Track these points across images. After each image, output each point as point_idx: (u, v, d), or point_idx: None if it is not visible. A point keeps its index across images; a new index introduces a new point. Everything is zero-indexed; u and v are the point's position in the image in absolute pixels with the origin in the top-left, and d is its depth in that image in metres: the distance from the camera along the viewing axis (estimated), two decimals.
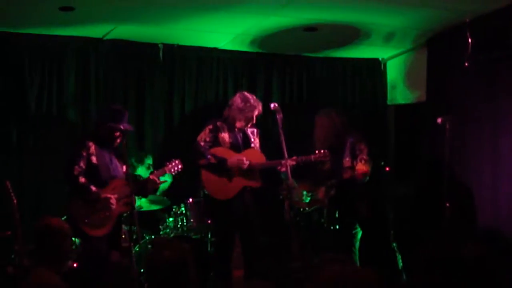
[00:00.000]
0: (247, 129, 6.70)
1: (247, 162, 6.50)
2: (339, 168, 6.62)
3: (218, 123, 6.66)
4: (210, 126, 6.63)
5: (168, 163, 6.48)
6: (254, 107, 6.59)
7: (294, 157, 6.45)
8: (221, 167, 6.50)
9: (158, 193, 7.33)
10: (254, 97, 6.71)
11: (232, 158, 6.51)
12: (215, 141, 6.60)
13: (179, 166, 6.48)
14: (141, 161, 7.34)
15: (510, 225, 6.58)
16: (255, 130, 6.79)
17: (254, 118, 6.64)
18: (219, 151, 6.54)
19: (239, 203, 6.53)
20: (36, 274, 4.18)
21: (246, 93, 6.75)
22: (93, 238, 5.99)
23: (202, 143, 6.54)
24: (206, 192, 6.66)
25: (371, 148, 6.64)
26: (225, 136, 6.60)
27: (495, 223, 6.73)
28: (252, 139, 6.71)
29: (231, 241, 6.62)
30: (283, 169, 6.37)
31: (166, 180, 6.81)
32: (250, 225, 6.57)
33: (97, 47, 7.52)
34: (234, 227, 6.58)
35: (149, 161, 7.40)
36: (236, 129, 6.65)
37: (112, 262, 6.15)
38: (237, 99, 6.65)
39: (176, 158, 6.49)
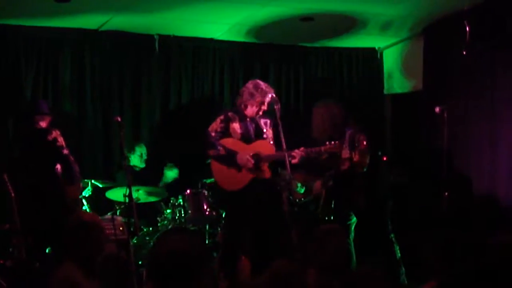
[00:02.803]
0: (260, 120, 6.57)
1: (252, 163, 6.39)
2: (337, 160, 6.57)
3: (230, 114, 6.53)
4: (222, 117, 6.51)
5: None
6: (265, 93, 6.44)
7: (302, 148, 6.32)
8: (230, 159, 6.43)
9: (161, 184, 7.34)
10: (267, 84, 6.61)
11: (242, 154, 6.40)
12: (226, 132, 6.50)
13: None
14: (132, 150, 7.37)
15: (509, 214, 6.57)
16: (268, 121, 6.64)
17: (266, 104, 6.52)
18: (229, 142, 6.46)
19: (249, 194, 6.46)
20: (64, 269, 4.08)
21: (258, 80, 6.65)
22: None
23: (213, 134, 6.44)
24: (215, 182, 6.58)
25: (369, 139, 6.59)
26: (236, 126, 6.49)
27: (493, 211, 6.73)
28: (265, 130, 6.61)
29: (240, 232, 6.53)
30: (294, 160, 6.29)
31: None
32: (261, 215, 6.47)
33: (93, 38, 7.51)
34: (243, 217, 6.49)
35: (141, 149, 7.45)
36: (248, 119, 6.54)
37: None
38: (248, 85, 6.52)
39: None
